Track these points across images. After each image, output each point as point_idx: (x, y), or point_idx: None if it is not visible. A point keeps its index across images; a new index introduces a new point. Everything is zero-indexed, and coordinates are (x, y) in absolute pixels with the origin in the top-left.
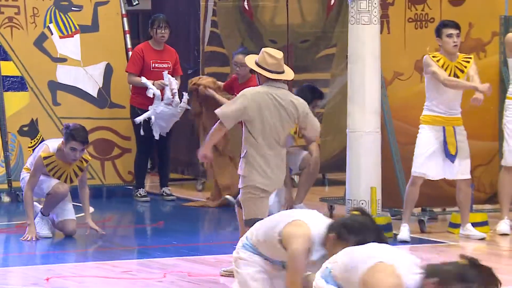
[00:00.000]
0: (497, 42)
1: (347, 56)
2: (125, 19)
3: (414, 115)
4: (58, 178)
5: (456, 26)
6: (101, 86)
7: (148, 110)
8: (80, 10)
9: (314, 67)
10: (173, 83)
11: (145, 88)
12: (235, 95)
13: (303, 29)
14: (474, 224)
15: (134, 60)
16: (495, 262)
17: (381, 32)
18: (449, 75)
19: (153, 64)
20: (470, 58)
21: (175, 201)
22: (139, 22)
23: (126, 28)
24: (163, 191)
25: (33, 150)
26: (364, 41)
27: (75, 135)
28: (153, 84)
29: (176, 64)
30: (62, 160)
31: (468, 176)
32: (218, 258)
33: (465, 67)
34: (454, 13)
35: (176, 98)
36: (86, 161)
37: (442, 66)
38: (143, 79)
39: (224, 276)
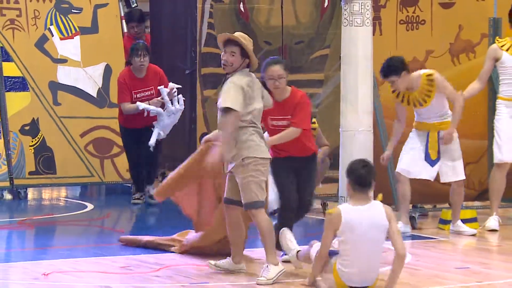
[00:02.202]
0: (486, 43)
1: (340, 57)
2: (123, 21)
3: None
4: None
5: None
6: (100, 86)
7: (142, 127)
8: (80, 12)
9: (308, 67)
10: (170, 93)
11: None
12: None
13: (297, 30)
14: (464, 221)
15: (122, 90)
16: (484, 258)
17: (373, 34)
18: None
19: (135, 95)
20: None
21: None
22: None
23: (125, 29)
24: (148, 190)
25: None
26: (357, 42)
27: None
28: (150, 104)
29: (161, 82)
30: None
31: (462, 178)
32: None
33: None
34: (444, 15)
35: (181, 104)
36: None
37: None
38: (140, 105)
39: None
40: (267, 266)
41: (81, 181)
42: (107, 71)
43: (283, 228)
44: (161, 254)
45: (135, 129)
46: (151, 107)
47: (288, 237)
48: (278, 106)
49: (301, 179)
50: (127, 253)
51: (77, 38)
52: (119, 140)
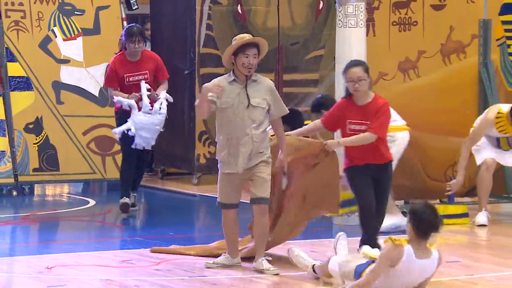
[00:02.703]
0: (476, 44)
1: (334, 57)
2: (125, 22)
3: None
4: None
5: None
6: (102, 86)
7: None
8: (83, 14)
9: (303, 67)
10: (152, 94)
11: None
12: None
13: (293, 32)
14: (456, 216)
15: (108, 75)
16: (474, 252)
17: (367, 35)
18: None
19: (127, 78)
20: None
21: (172, 194)
22: None
23: None
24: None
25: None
26: (351, 43)
27: None
28: (128, 98)
29: (158, 70)
30: None
31: None
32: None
33: None
34: (436, 17)
35: (158, 105)
36: None
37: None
38: (115, 98)
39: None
40: (262, 260)
41: (83, 177)
42: None
43: (289, 248)
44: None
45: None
46: (124, 100)
47: (296, 253)
48: (358, 110)
49: (378, 187)
50: (129, 247)
51: (80, 39)
52: None
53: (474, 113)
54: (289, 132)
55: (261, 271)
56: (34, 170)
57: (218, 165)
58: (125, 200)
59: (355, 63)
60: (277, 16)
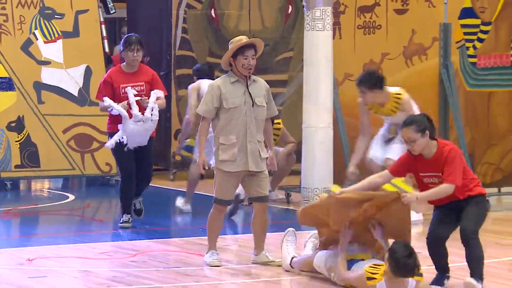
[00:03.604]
0: (437, 46)
1: (302, 59)
2: (103, 26)
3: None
4: None
5: None
6: (81, 86)
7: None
8: (63, 17)
9: (273, 69)
10: (142, 100)
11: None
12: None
13: (263, 34)
14: None
15: (101, 88)
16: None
17: (333, 38)
18: None
19: (122, 89)
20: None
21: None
22: (116, 29)
23: (104, 34)
24: (134, 203)
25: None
26: (318, 45)
27: None
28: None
29: (154, 83)
30: None
31: None
32: (186, 240)
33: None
34: (398, 20)
35: (149, 111)
36: None
37: None
38: (106, 100)
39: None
40: (266, 253)
41: (63, 173)
42: (87, 72)
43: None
44: (137, 242)
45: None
46: (115, 106)
47: (287, 240)
48: (427, 163)
49: (463, 214)
50: (106, 240)
51: (60, 41)
52: (98, 136)
53: (435, 112)
54: (347, 189)
55: (266, 263)
56: (16, 166)
57: (218, 165)
58: (126, 219)
59: (406, 123)
60: (248, 20)
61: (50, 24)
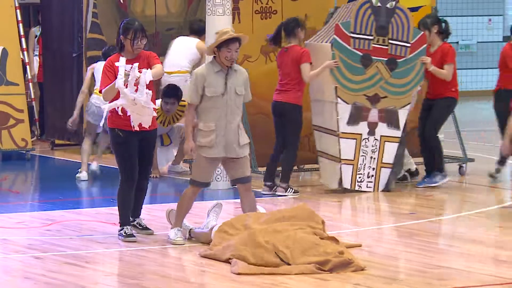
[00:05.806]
0: None
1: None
2: (18, 11)
3: (260, 91)
4: None
5: None
6: None
7: (124, 127)
8: None
9: None
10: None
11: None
12: None
13: (168, 19)
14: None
15: (105, 75)
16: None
17: (232, 22)
18: None
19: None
20: None
21: (62, 162)
22: (30, 13)
23: (19, 18)
24: (136, 223)
25: None
26: (219, 29)
27: None
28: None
29: (150, 62)
30: None
31: None
32: (97, 211)
33: None
34: (292, 6)
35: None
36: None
37: None
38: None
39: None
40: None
41: None
42: (4, 54)
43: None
44: (52, 212)
45: (126, 131)
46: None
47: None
48: None
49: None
50: (23, 210)
51: None
52: (15, 114)
53: None
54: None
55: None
56: None
57: (197, 149)
58: (129, 231)
59: None
60: (154, 5)
61: None
